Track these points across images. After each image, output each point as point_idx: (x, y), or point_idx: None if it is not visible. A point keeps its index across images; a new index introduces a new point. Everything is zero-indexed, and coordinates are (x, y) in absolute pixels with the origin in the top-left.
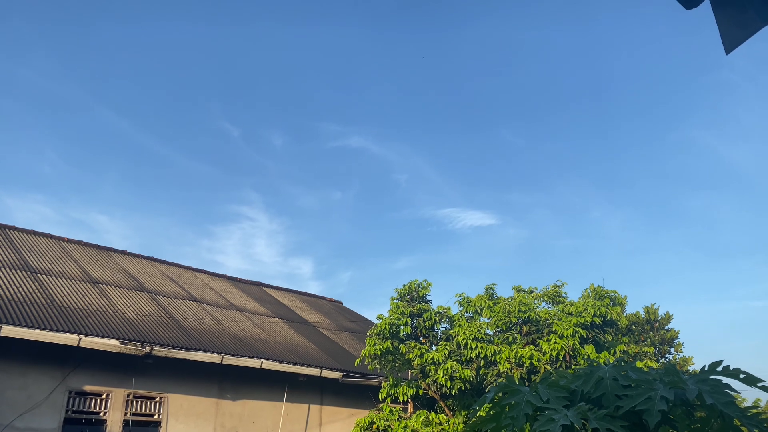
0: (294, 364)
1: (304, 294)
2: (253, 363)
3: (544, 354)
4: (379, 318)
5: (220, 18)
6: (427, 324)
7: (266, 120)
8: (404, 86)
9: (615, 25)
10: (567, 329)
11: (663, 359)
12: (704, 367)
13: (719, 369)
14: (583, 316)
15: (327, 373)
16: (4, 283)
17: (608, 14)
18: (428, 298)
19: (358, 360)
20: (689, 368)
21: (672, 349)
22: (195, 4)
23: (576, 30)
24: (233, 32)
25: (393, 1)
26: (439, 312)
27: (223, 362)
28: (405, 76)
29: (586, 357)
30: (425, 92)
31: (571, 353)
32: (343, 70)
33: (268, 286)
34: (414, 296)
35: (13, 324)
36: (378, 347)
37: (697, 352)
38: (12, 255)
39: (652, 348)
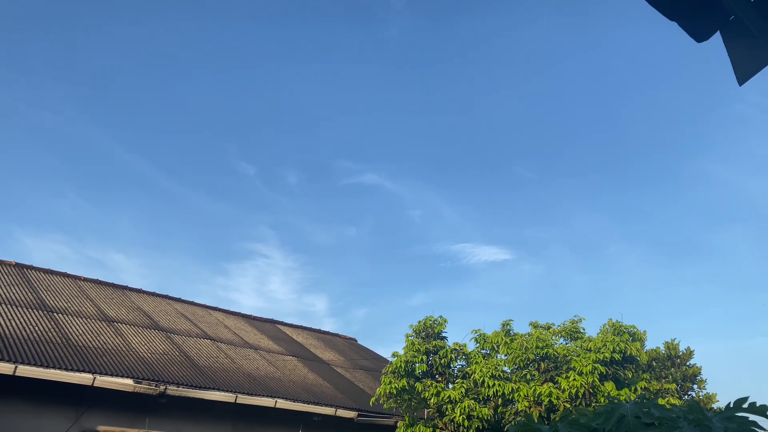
0: (308, 404)
1: (318, 331)
2: (267, 402)
3: (563, 391)
4: (394, 355)
5: (234, 58)
6: (443, 361)
7: (281, 158)
8: (417, 122)
9: (626, 59)
10: (586, 366)
11: (686, 396)
12: (729, 404)
13: (745, 406)
14: (602, 352)
15: (342, 413)
16: (20, 322)
17: (619, 49)
18: (444, 334)
19: (373, 399)
20: (713, 405)
21: (695, 386)
22: (209, 45)
23: (587, 65)
24: (247, 71)
25: (405, 37)
26: (455, 349)
27: (237, 401)
28: (417, 112)
29: (606, 394)
30: (438, 128)
31: (591, 390)
32: (356, 107)
33: (282, 323)
34: (429, 333)
35: (29, 363)
36: (393, 385)
37: (720, 388)
38: (29, 294)
39: (674, 385)
